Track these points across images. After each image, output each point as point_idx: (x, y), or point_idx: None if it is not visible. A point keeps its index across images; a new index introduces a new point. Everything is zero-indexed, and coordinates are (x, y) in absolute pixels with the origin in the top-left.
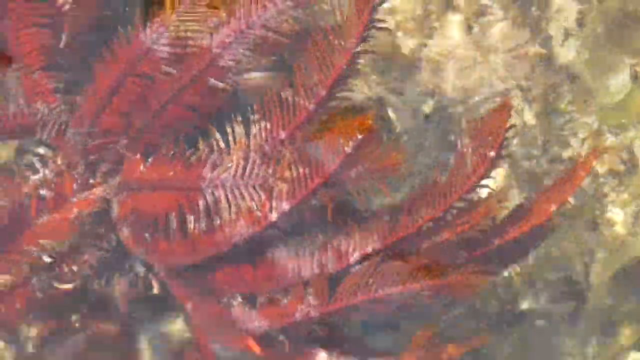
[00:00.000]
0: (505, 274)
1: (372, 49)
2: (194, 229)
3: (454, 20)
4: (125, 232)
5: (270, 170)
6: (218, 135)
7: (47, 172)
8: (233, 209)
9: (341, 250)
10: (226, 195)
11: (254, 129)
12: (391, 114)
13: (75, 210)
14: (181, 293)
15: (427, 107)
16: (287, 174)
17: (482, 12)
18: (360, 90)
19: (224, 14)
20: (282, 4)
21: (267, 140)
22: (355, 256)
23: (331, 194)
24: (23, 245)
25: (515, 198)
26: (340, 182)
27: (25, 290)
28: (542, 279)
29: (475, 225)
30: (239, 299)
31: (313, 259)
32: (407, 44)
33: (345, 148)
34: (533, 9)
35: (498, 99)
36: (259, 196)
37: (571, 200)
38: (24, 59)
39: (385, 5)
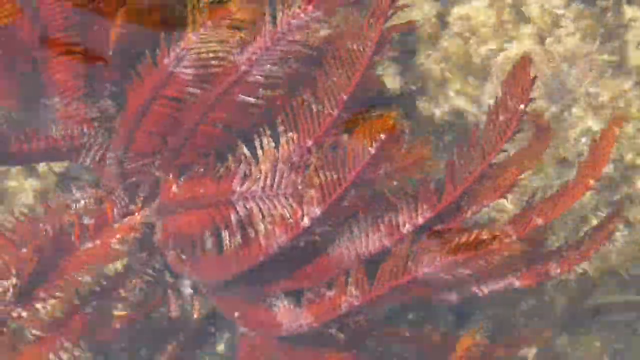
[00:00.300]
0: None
1: (391, 52)
2: (230, 244)
3: (526, 30)
4: (168, 254)
5: (299, 179)
6: (246, 150)
7: (88, 199)
8: (266, 219)
9: (393, 225)
10: (258, 207)
11: (282, 140)
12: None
13: (118, 235)
14: (227, 305)
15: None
16: (315, 180)
17: (554, 21)
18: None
19: (248, 33)
20: (306, 17)
21: (294, 150)
22: (407, 228)
23: (361, 195)
24: (68, 271)
25: (589, 205)
26: (369, 183)
27: (80, 319)
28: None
29: (510, 187)
30: (284, 299)
31: (367, 238)
32: (480, 52)
33: (370, 149)
34: (607, 16)
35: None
36: (290, 205)
37: None
38: (59, 88)
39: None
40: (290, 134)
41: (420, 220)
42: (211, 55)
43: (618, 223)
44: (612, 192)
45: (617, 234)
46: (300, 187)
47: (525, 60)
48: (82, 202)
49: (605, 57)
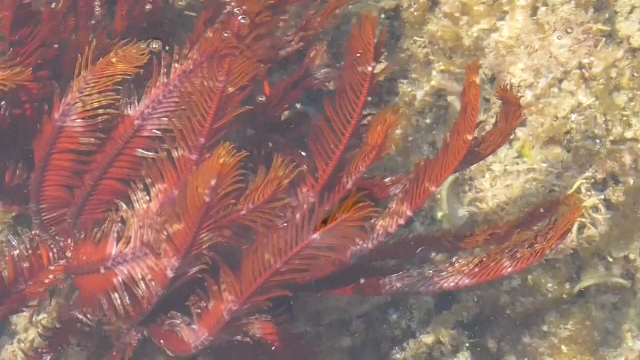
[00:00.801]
0: None
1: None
2: (122, 305)
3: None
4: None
5: (160, 234)
6: (125, 207)
7: (25, 245)
8: (146, 277)
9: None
10: (133, 267)
11: (151, 193)
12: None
13: (51, 276)
14: (151, 334)
15: (487, 94)
16: (162, 233)
17: None
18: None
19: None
20: (194, 67)
21: (164, 202)
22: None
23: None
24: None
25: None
26: (230, 224)
27: None
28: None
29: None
30: (180, 318)
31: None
32: (472, 31)
33: (205, 198)
34: None
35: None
36: (157, 259)
37: None
38: None
39: None
40: (158, 185)
41: (305, 207)
42: (96, 106)
43: (580, 215)
44: (596, 170)
45: (600, 217)
46: (155, 243)
47: (367, 19)
48: (19, 248)
49: (600, 26)
